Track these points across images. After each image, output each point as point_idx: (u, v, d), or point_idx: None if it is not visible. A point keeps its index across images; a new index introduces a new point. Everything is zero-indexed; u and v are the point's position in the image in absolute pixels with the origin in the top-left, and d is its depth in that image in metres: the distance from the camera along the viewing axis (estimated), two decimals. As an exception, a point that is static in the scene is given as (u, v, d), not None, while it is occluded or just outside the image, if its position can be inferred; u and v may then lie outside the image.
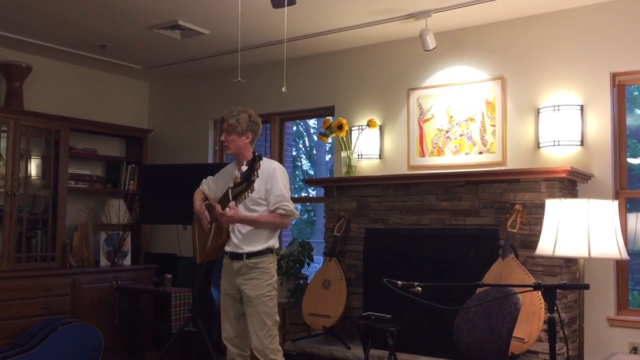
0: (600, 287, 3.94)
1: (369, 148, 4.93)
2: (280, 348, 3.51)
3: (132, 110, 6.44)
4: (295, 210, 3.56)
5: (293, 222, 4.80)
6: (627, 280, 4.05)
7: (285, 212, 3.48)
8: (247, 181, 3.19)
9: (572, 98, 4.14)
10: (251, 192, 3.22)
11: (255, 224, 3.46)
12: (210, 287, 5.27)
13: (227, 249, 3.54)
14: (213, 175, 3.81)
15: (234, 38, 4.71)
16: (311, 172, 14.94)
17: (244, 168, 3.52)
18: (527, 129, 4.32)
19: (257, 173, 3.17)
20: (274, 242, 3.55)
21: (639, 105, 4.82)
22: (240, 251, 3.48)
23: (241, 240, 3.49)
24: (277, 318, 3.52)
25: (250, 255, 3.46)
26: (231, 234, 3.52)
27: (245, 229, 3.48)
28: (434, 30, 4.39)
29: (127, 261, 5.82)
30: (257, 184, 3.32)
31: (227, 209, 3.34)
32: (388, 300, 4.00)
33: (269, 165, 3.51)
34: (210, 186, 3.75)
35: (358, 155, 4.94)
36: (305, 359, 4.41)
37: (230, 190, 3.30)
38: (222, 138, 3.59)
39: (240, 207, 3.40)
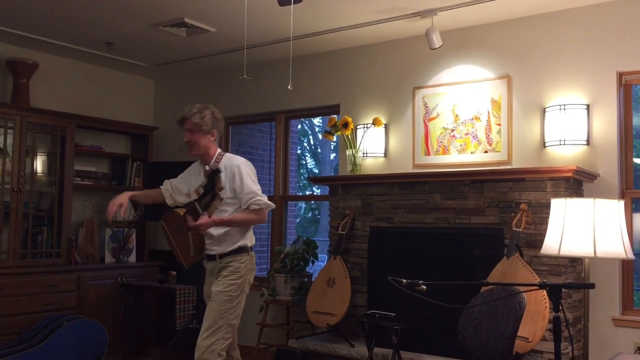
0: (606, 287, 3.93)
1: (374, 146, 4.93)
2: (223, 355, 3.30)
3: (137, 107, 6.46)
4: (270, 202, 3.44)
5: (297, 221, 4.78)
6: (633, 280, 4.04)
7: (260, 206, 3.38)
8: (210, 192, 3.13)
9: (578, 97, 4.13)
10: (221, 202, 3.17)
11: (231, 223, 3.37)
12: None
13: (205, 251, 3.48)
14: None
15: (240, 36, 4.72)
16: (316, 171, 14.95)
17: (211, 165, 3.44)
18: (532, 128, 4.31)
19: (221, 185, 3.13)
20: (245, 241, 3.44)
21: (645, 105, 4.81)
22: (213, 253, 3.43)
23: (213, 242, 3.41)
24: (234, 321, 3.36)
25: (223, 255, 3.40)
26: (205, 237, 3.44)
27: (216, 231, 3.38)
28: (439, 29, 4.39)
29: (132, 258, 5.84)
30: (225, 181, 3.30)
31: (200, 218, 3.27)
32: (392, 299, 4.01)
33: (231, 162, 3.41)
34: (176, 187, 3.62)
35: (363, 153, 4.94)
36: (309, 357, 4.42)
37: (196, 203, 3.23)
38: (186, 139, 3.44)
39: None
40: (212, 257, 3.46)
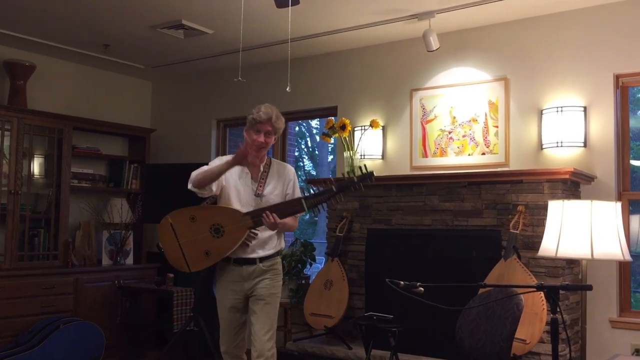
0: (603, 288, 3.93)
1: (371, 148, 4.93)
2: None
3: (135, 109, 6.45)
4: None
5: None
6: (630, 282, 4.04)
7: (300, 214, 3.44)
8: (337, 194, 3.12)
9: (575, 99, 4.13)
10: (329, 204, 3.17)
11: (286, 228, 3.41)
12: (212, 286, 5.27)
13: (233, 255, 3.34)
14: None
15: (237, 38, 4.72)
16: (313, 173, 14.94)
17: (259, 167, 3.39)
18: (530, 130, 4.31)
19: (361, 188, 3.14)
20: (284, 244, 3.52)
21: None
22: (253, 255, 3.33)
23: (256, 244, 3.33)
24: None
25: (264, 258, 3.36)
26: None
27: (265, 233, 3.33)
28: (437, 31, 4.39)
29: (129, 260, 5.83)
30: (277, 186, 3.34)
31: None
32: (390, 301, 4.00)
33: (286, 169, 3.46)
34: (220, 180, 3.40)
35: (361, 155, 4.93)
36: (306, 359, 4.41)
37: (304, 201, 3.20)
38: (261, 139, 3.30)
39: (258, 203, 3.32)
40: (250, 261, 3.34)
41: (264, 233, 3.33)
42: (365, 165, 3.24)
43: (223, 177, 3.37)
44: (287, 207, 3.23)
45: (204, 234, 3.31)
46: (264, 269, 3.36)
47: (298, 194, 3.41)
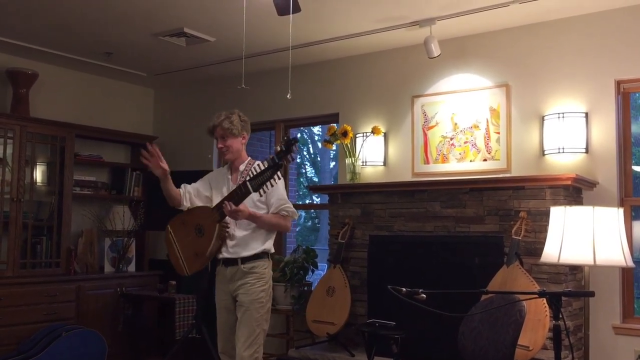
0: (606, 295, 3.92)
1: (373, 155, 4.93)
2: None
3: (137, 117, 6.47)
4: (295, 211, 3.48)
5: (297, 229, 4.76)
6: (633, 288, 4.03)
7: (288, 213, 3.41)
8: (273, 168, 3.09)
9: (576, 105, 4.14)
10: (277, 180, 3.12)
11: (262, 221, 3.36)
12: (215, 294, 5.26)
13: (220, 255, 3.42)
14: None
15: (239, 45, 4.74)
16: (315, 179, 14.95)
17: (256, 165, 3.33)
18: (531, 136, 4.32)
19: (292, 157, 3.13)
20: (269, 246, 3.44)
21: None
22: (234, 256, 3.37)
23: (236, 244, 3.37)
24: (266, 327, 3.42)
25: (245, 259, 3.36)
26: (228, 239, 3.39)
27: (242, 232, 3.36)
28: (438, 38, 4.40)
29: (132, 267, 5.83)
30: None
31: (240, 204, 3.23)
32: (392, 308, 4.00)
33: None
34: (197, 189, 3.54)
35: (362, 162, 4.94)
36: (309, 366, 4.40)
37: (248, 182, 3.17)
38: (219, 145, 3.45)
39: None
40: (232, 262, 3.38)
41: (243, 232, 3.37)
42: (287, 136, 3.26)
43: (191, 189, 3.54)
44: (237, 192, 3.24)
45: (192, 236, 3.42)
46: (245, 271, 3.37)
47: (279, 191, 3.37)
